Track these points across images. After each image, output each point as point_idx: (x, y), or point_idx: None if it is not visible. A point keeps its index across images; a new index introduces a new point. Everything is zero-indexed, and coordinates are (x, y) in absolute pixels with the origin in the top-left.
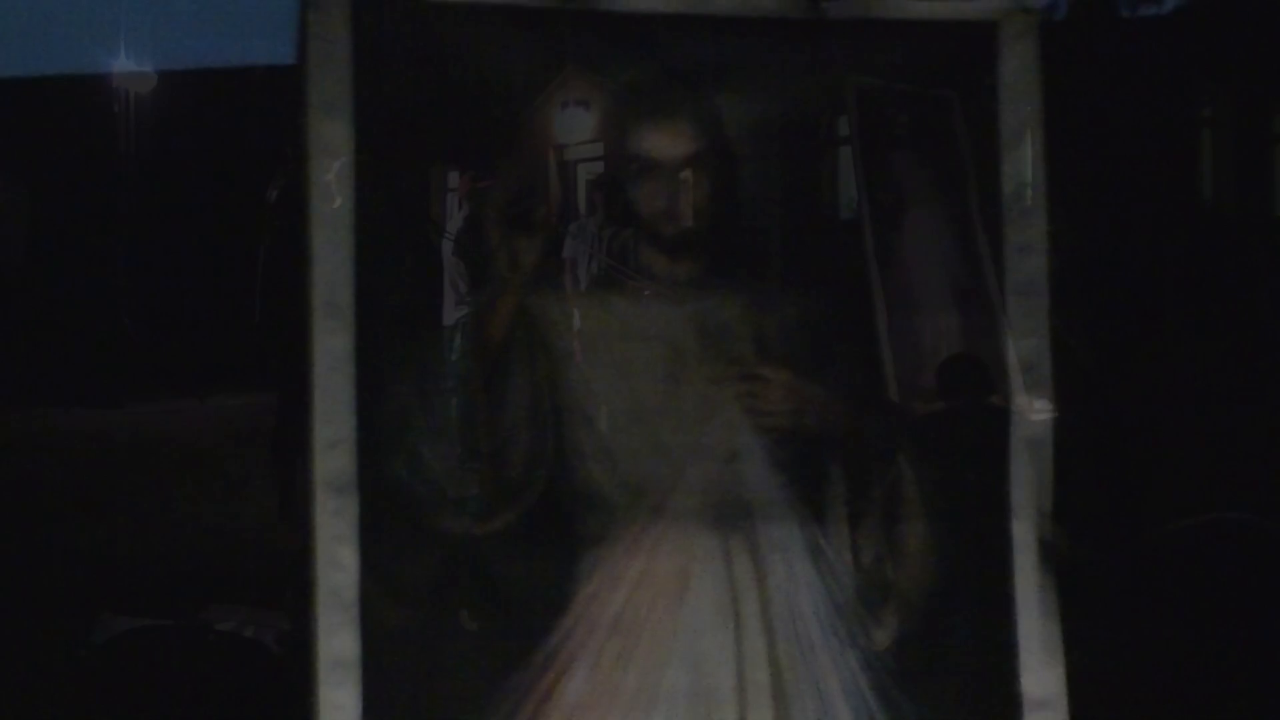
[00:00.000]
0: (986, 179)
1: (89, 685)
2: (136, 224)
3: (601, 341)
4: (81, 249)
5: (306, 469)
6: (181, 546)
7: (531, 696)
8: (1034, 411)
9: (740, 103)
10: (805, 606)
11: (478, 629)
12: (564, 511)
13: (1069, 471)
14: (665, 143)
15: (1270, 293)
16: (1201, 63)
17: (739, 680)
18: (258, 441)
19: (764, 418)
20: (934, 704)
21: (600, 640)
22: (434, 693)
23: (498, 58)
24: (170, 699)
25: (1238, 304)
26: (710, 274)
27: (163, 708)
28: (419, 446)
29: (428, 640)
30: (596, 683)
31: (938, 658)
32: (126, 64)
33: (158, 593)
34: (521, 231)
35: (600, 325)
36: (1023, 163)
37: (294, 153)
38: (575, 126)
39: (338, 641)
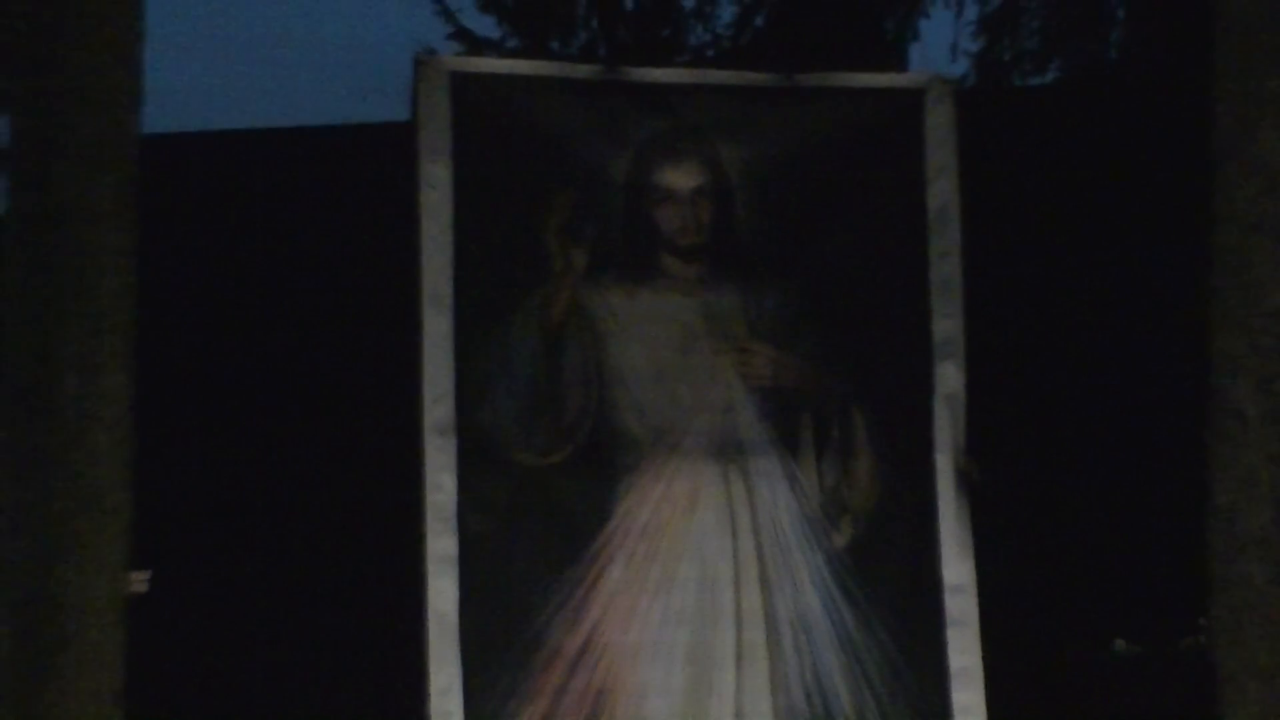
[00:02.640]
0: (916, 205)
1: None
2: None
3: (632, 323)
4: None
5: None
6: None
7: (582, 583)
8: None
9: (735, 148)
10: (784, 518)
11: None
12: (605, 448)
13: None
14: (679, 178)
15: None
16: (1078, 120)
17: (735, 571)
18: None
19: (753, 379)
20: (878, 589)
21: (632, 542)
22: (510, 580)
23: (555, 115)
24: None
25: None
26: (712, 273)
27: None
28: (500, 400)
29: (506, 542)
30: (629, 573)
31: (881, 555)
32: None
33: None
34: (574, 243)
35: (631, 311)
36: (943, 192)
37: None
38: (614, 165)
39: (441, 543)
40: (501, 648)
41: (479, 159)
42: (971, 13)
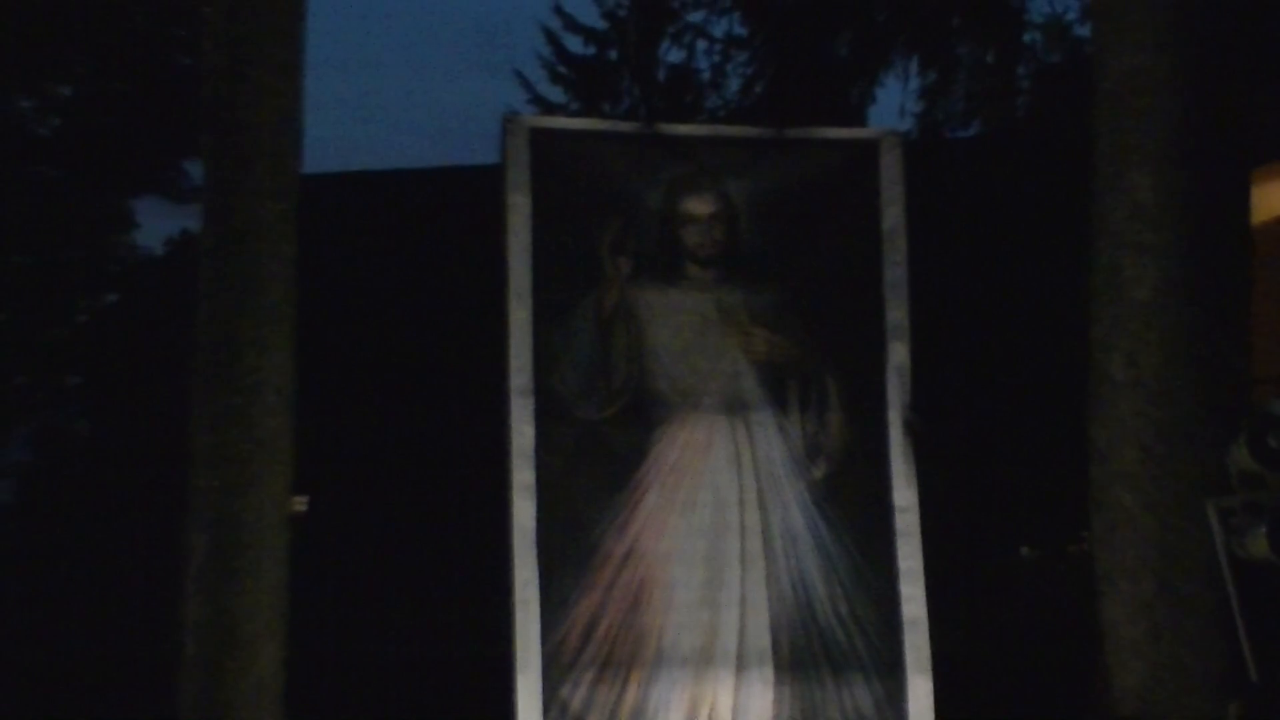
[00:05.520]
0: (873, 225)
1: None
2: None
3: (664, 313)
4: None
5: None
6: None
7: (627, 505)
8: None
9: (740, 183)
10: (776, 457)
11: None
12: (644, 406)
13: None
14: (699, 206)
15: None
16: (994, 164)
17: (740, 497)
18: None
19: (753, 354)
20: (846, 509)
21: (664, 474)
22: (574, 503)
23: (606, 159)
24: None
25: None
26: (723, 276)
27: None
28: (566, 370)
29: (570, 474)
30: (663, 497)
31: (847, 483)
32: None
33: None
34: (621, 254)
35: (663, 304)
36: (893, 216)
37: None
38: (650, 197)
39: (522, 475)
40: (567, 553)
41: (550, 192)
42: (914, 84)
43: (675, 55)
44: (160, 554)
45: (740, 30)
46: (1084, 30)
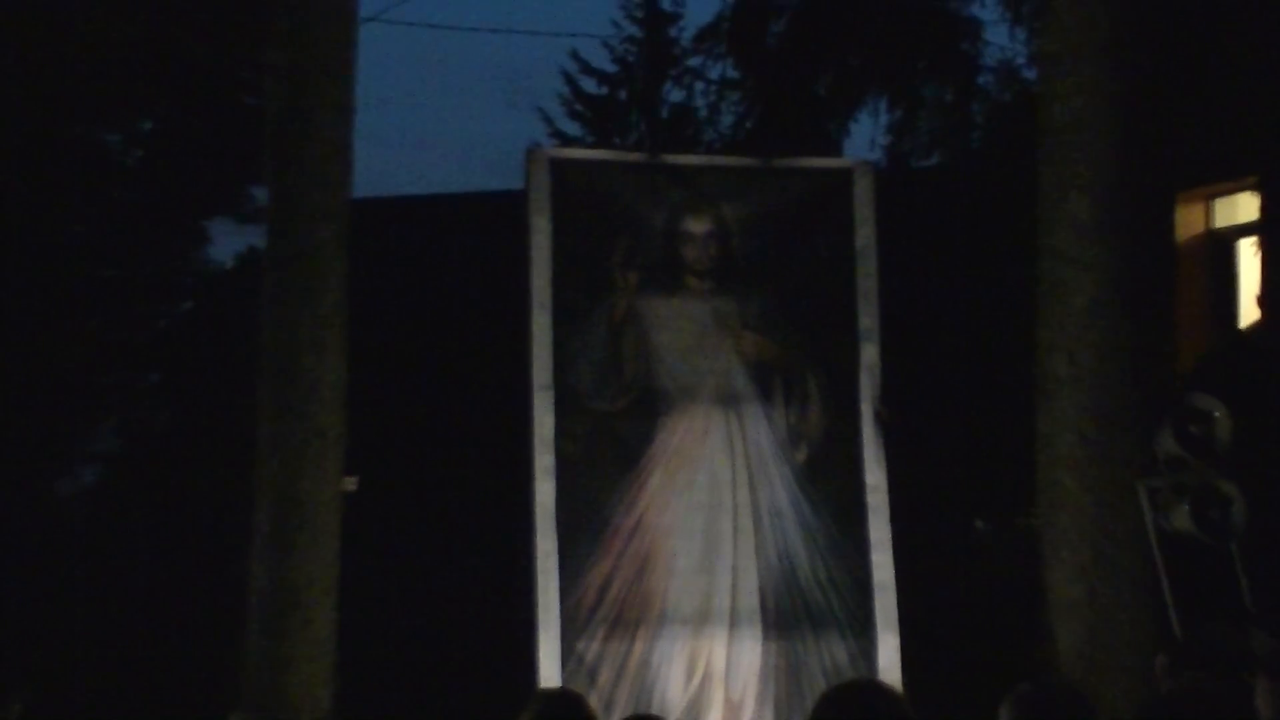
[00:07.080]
0: (847, 243)
1: None
2: None
3: (666, 319)
4: None
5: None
6: None
7: (634, 486)
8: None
9: (733, 206)
10: (764, 442)
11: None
12: (649, 399)
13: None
14: (697, 226)
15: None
16: (953, 189)
17: (732, 478)
18: None
19: (744, 355)
20: (824, 488)
21: (666, 458)
22: (588, 484)
23: (617, 185)
24: None
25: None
26: (718, 287)
27: None
28: (581, 368)
29: (586, 459)
30: (665, 478)
31: (825, 466)
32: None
33: None
34: (629, 268)
35: (665, 311)
36: (865, 235)
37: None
38: (655, 218)
39: (544, 460)
40: (582, 527)
41: (568, 214)
42: (884, 119)
43: (677, 95)
44: (226, 529)
45: (733, 73)
46: (1031, 74)
